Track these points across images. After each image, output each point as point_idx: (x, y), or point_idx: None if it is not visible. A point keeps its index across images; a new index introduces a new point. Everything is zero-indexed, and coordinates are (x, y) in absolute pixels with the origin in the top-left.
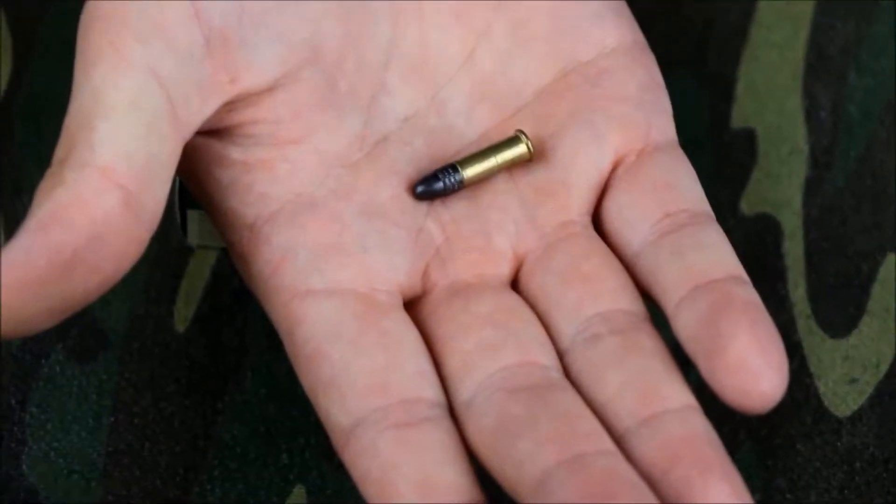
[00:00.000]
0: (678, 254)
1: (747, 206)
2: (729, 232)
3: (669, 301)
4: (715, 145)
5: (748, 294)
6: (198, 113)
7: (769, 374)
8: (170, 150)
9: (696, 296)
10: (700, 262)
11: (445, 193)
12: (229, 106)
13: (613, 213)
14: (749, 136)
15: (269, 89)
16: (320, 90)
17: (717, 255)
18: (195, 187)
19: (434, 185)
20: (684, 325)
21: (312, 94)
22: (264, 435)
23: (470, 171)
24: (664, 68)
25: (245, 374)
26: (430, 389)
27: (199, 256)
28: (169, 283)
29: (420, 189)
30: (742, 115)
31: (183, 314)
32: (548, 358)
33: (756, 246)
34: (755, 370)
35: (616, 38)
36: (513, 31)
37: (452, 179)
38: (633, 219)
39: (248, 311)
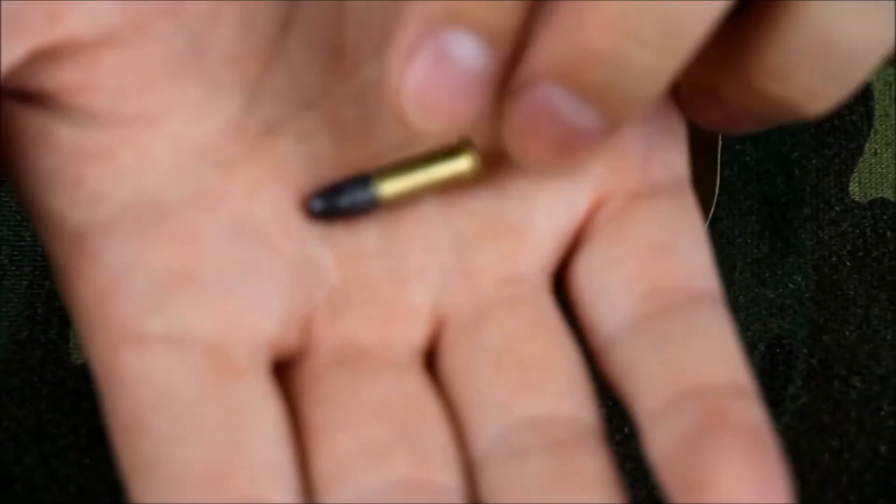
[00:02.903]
0: (660, 346)
1: (859, 188)
2: (836, 224)
3: (641, 409)
4: None
5: (747, 411)
6: None
7: None
8: None
9: (677, 407)
10: (688, 361)
11: (352, 214)
12: (50, 57)
13: (585, 278)
14: (862, 93)
15: (107, 42)
16: (181, 53)
17: (713, 352)
18: (8, 175)
19: (337, 200)
20: (657, 445)
21: (170, 57)
22: None
23: (389, 187)
24: None
25: None
26: (281, 490)
27: None
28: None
29: (317, 205)
30: None
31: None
32: (449, 475)
33: (871, 243)
34: None
35: None
36: None
37: (364, 196)
38: (610, 289)
39: None
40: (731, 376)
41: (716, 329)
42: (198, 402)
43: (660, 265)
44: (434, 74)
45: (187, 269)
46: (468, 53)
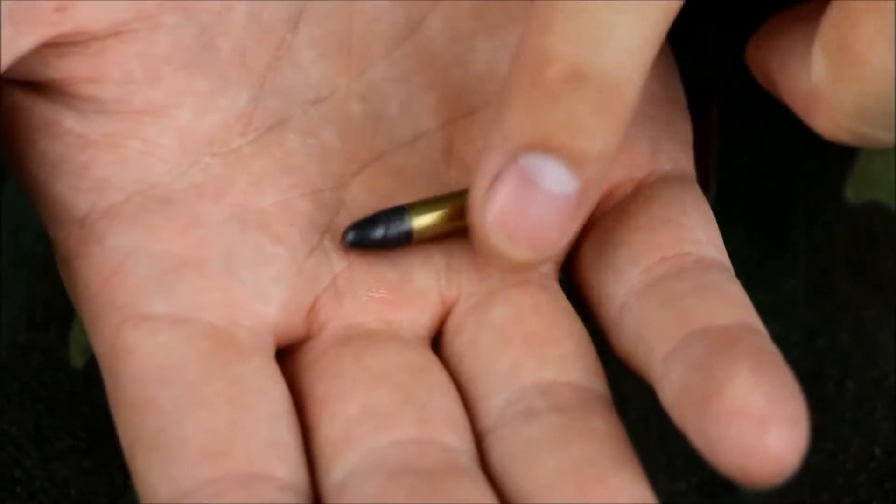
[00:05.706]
0: (671, 300)
1: (854, 191)
2: (829, 227)
3: (655, 361)
4: None
5: (758, 339)
6: (8, 45)
7: (779, 427)
8: None
9: (689, 343)
10: (701, 309)
11: (385, 246)
12: (58, 49)
13: (592, 259)
14: None
15: (116, 34)
16: (189, 46)
17: (726, 301)
18: (14, 162)
19: (371, 232)
20: (669, 383)
21: (178, 49)
22: None
23: (423, 220)
24: None
25: None
26: (284, 465)
27: None
28: (61, 299)
29: (351, 238)
30: None
31: (81, 343)
32: (457, 437)
33: (865, 245)
34: (759, 417)
35: None
36: (481, 4)
37: (398, 229)
38: (617, 263)
39: None
40: (745, 319)
41: (727, 286)
42: (201, 379)
43: (666, 237)
44: (518, 200)
45: (191, 254)
46: (554, 179)
